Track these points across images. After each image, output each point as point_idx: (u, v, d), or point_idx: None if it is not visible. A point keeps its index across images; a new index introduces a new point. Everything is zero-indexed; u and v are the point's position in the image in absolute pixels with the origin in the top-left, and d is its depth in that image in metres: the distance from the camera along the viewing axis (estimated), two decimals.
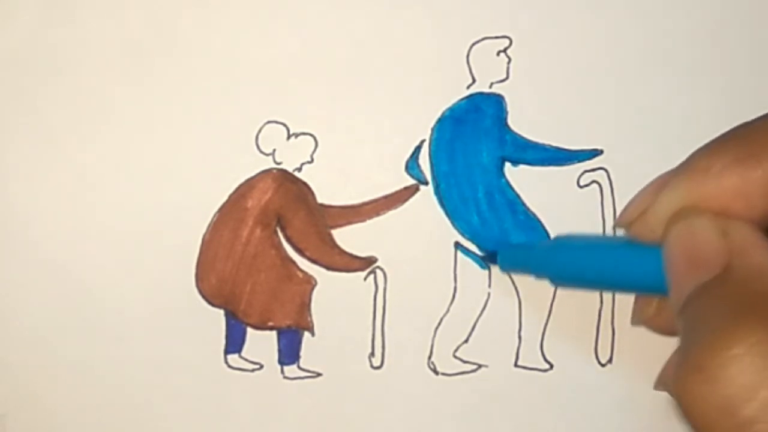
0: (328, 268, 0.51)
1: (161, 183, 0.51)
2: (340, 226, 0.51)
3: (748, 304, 0.26)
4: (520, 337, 0.51)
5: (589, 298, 0.51)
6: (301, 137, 0.51)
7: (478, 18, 0.51)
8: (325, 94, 0.51)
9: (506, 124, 0.51)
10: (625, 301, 0.47)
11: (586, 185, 0.51)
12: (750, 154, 0.29)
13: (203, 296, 0.51)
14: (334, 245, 0.51)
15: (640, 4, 0.51)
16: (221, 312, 0.51)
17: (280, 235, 0.51)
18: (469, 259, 0.51)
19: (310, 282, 0.51)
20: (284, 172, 0.51)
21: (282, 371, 0.51)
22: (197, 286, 0.51)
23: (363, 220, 0.51)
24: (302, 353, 0.51)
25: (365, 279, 0.51)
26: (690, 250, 0.29)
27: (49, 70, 0.51)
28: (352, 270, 0.51)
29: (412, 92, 0.51)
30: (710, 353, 0.25)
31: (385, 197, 0.51)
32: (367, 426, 0.51)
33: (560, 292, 0.51)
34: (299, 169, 0.51)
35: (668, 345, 0.31)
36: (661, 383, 0.34)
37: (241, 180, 0.51)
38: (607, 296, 0.50)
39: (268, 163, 0.51)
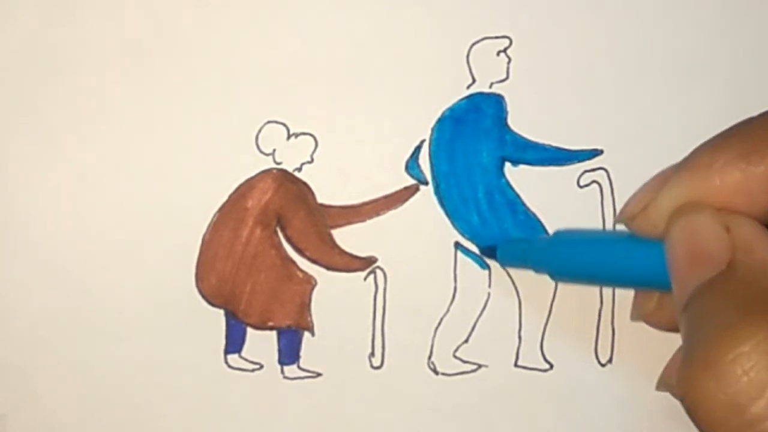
0: (328, 268, 0.51)
1: (161, 183, 0.51)
2: (340, 226, 0.51)
3: (754, 300, 0.26)
4: (520, 337, 0.51)
5: (589, 298, 0.51)
6: (301, 137, 0.51)
7: (478, 18, 0.51)
8: (325, 94, 0.51)
9: (506, 124, 0.51)
10: (626, 301, 0.47)
11: (586, 185, 0.51)
12: (752, 150, 0.29)
13: (203, 296, 0.51)
14: (334, 245, 0.51)
15: (640, 4, 0.51)
16: (221, 312, 0.51)
17: (280, 235, 0.51)
18: (469, 259, 0.51)
19: (310, 282, 0.51)
20: (284, 172, 0.51)
21: (282, 371, 0.51)
22: (197, 286, 0.51)
23: (363, 220, 0.51)
24: (302, 353, 0.51)
25: (365, 279, 0.51)
26: (693, 247, 0.29)
27: (49, 70, 0.51)
28: (352, 270, 0.51)
29: (412, 92, 0.51)
30: (717, 350, 0.25)
31: (385, 197, 0.51)
32: (367, 426, 0.51)
33: (560, 292, 0.51)
34: (299, 169, 0.51)
35: (669, 345, 0.31)
36: (662, 384, 0.34)
37: (241, 180, 0.51)
38: (607, 296, 0.50)
39: (268, 163, 0.51)
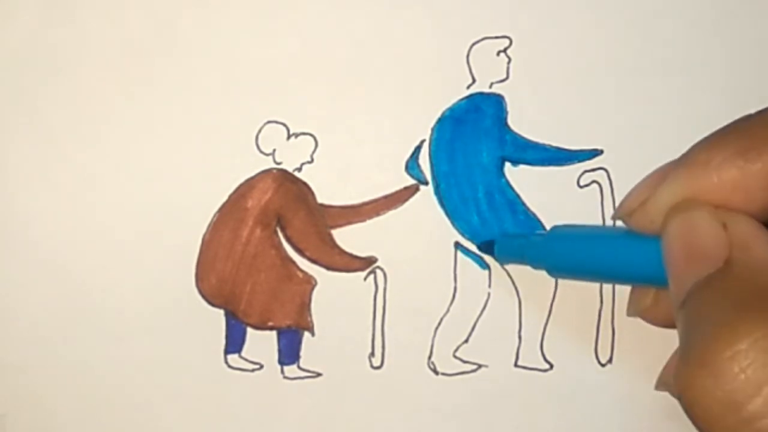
0: (328, 268, 0.51)
1: (161, 183, 0.51)
2: (340, 226, 0.51)
3: (751, 298, 0.26)
4: (520, 337, 0.51)
5: (589, 297, 0.51)
6: (301, 137, 0.51)
7: (478, 18, 0.51)
8: (325, 94, 0.51)
9: (506, 124, 0.51)
10: (626, 301, 0.47)
11: (586, 185, 0.51)
12: (750, 147, 0.29)
13: (203, 296, 0.51)
14: (334, 245, 0.51)
15: (640, 4, 0.51)
16: (221, 312, 0.51)
17: (280, 235, 0.51)
18: (469, 259, 0.51)
19: (310, 282, 0.51)
20: (284, 172, 0.51)
21: (282, 371, 0.51)
22: (197, 286, 0.51)
23: (363, 220, 0.51)
24: (302, 353, 0.51)
25: (365, 279, 0.51)
26: (690, 244, 0.29)
27: (49, 70, 0.51)
28: (352, 270, 0.51)
29: (412, 92, 0.51)
30: (714, 348, 0.25)
31: (385, 197, 0.51)
32: (367, 426, 0.51)
33: (560, 292, 0.51)
34: (299, 169, 0.51)
35: (668, 345, 0.31)
36: (662, 384, 0.34)
37: (241, 180, 0.51)
38: (607, 296, 0.50)
39: (268, 163, 0.51)
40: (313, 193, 0.51)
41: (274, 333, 0.51)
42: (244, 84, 0.51)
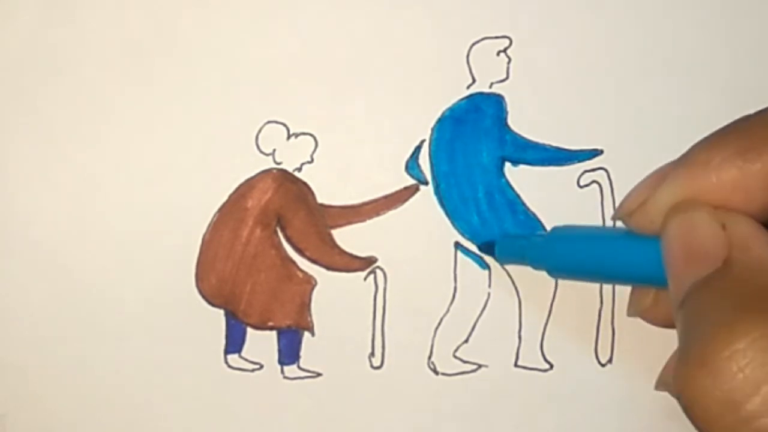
0: (328, 268, 0.51)
1: (161, 183, 0.51)
2: (340, 226, 0.51)
3: (749, 298, 0.26)
4: (520, 337, 0.51)
5: (589, 298, 0.51)
6: (301, 137, 0.51)
7: (478, 18, 0.51)
8: (325, 94, 0.51)
9: (506, 124, 0.51)
10: (626, 301, 0.47)
11: (586, 185, 0.51)
12: (749, 147, 0.29)
13: (203, 296, 0.51)
14: (334, 245, 0.51)
15: (640, 4, 0.51)
16: (221, 312, 0.51)
17: (280, 235, 0.51)
18: (469, 259, 0.51)
19: (310, 282, 0.51)
20: (284, 172, 0.51)
21: (282, 371, 0.51)
22: (197, 286, 0.51)
23: (363, 220, 0.51)
24: (302, 353, 0.51)
25: (365, 279, 0.51)
26: (689, 244, 0.29)
27: (49, 70, 0.51)
28: (352, 270, 0.51)
29: (412, 92, 0.51)
30: (712, 348, 0.25)
31: (385, 197, 0.51)
32: (367, 426, 0.51)
33: (560, 292, 0.51)
34: (299, 169, 0.51)
35: (668, 345, 0.31)
36: (661, 384, 0.34)
37: (241, 180, 0.51)
38: (607, 296, 0.50)
39: (268, 163, 0.51)
40: (313, 193, 0.51)
41: (274, 333, 0.51)
42: (244, 84, 0.51)
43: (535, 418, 0.51)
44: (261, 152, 0.51)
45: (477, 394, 0.51)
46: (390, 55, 0.51)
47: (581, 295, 0.50)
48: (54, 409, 0.51)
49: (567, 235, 0.40)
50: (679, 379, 0.26)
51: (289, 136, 0.51)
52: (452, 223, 0.51)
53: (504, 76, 0.51)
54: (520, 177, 0.51)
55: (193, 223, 0.51)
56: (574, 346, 0.51)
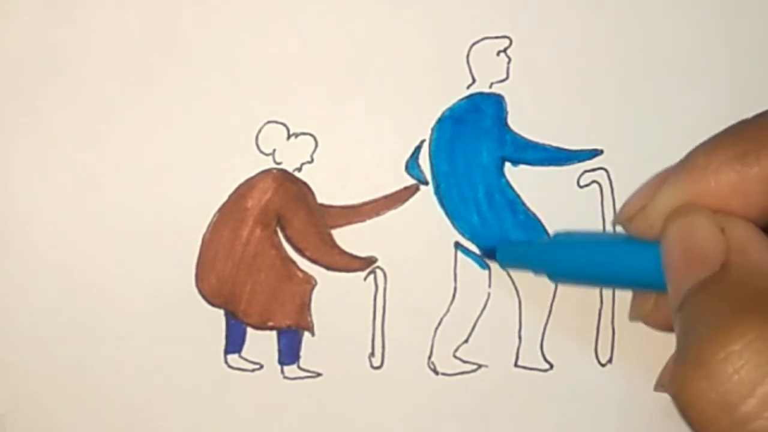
0: (328, 268, 0.51)
1: (161, 183, 0.51)
2: (340, 226, 0.51)
3: (746, 300, 0.26)
4: (520, 337, 0.51)
5: (589, 298, 0.51)
6: (301, 137, 0.51)
7: (478, 18, 0.51)
8: (325, 94, 0.51)
9: (506, 124, 0.51)
10: (626, 301, 0.47)
11: (586, 185, 0.51)
12: (748, 151, 0.29)
13: (203, 296, 0.51)
14: (334, 245, 0.51)
15: (640, 4, 0.51)
16: (221, 312, 0.51)
17: (280, 235, 0.51)
18: (469, 259, 0.51)
19: (310, 282, 0.51)
20: (284, 172, 0.51)
21: (282, 371, 0.51)
22: (197, 286, 0.51)
23: (363, 220, 0.51)
24: (302, 353, 0.51)
25: (365, 279, 0.51)
26: (688, 247, 0.29)
27: (49, 70, 0.51)
28: (352, 270, 0.51)
29: (412, 92, 0.51)
30: (708, 349, 0.25)
31: (385, 197, 0.51)
32: (367, 426, 0.51)
33: (560, 292, 0.51)
34: (299, 169, 0.51)
35: (668, 345, 0.31)
36: (660, 385, 0.35)
37: (241, 180, 0.51)
38: (607, 296, 0.50)
39: (268, 163, 0.51)
40: (313, 193, 0.51)
41: (274, 333, 0.51)
42: (244, 84, 0.51)
43: (535, 418, 0.51)
44: (261, 152, 0.51)
45: (477, 394, 0.51)
46: (390, 55, 0.51)
47: (581, 295, 0.50)
48: (54, 409, 0.51)
49: (568, 240, 0.40)
50: (675, 381, 0.26)
51: (289, 136, 0.51)
52: (452, 223, 0.51)
53: (504, 76, 0.51)
54: (520, 177, 0.51)
55: (193, 223, 0.51)
56: (574, 346, 0.51)
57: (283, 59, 0.51)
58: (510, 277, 0.51)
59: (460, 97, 0.51)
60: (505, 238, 0.50)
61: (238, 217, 0.51)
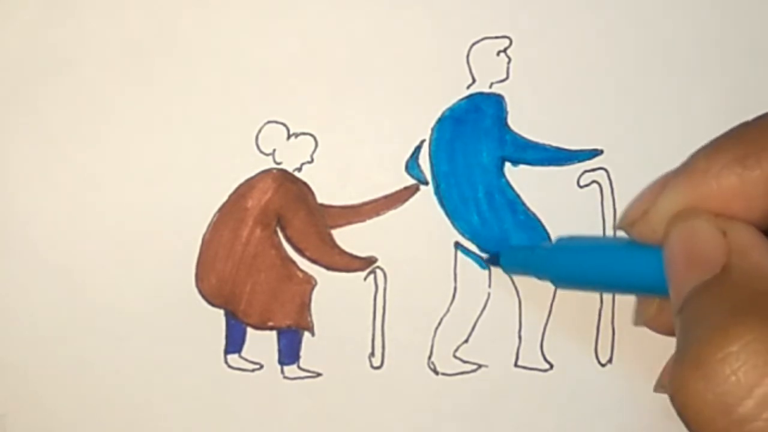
0: (328, 268, 0.51)
1: (161, 183, 0.51)
2: (340, 226, 0.51)
3: (746, 302, 0.26)
4: (520, 337, 0.51)
5: (589, 298, 0.51)
6: (301, 137, 0.51)
7: (478, 18, 0.51)
8: (325, 94, 0.51)
9: (506, 124, 0.51)
10: (626, 301, 0.47)
11: (586, 185, 0.51)
12: (748, 154, 0.29)
13: (203, 296, 0.51)
14: (334, 245, 0.51)
15: (640, 4, 0.51)
16: (221, 312, 0.51)
17: (280, 235, 0.51)
18: (469, 259, 0.51)
19: (310, 282, 0.51)
20: (284, 172, 0.51)
21: (282, 371, 0.51)
22: (197, 286, 0.51)
23: (363, 220, 0.51)
24: (302, 353, 0.51)
25: (365, 279, 0.51)
26: (689, 250, 0.29)
27: (49, 70, 0.51)
28: (352, 270, 0.51)
29: (412, 92, 0.51)
30: (707, 350, 0.25)
31: (385, 197, 0.51)
32: (367, 426, 0.51)
33: (560, 292, 0.50)
34: (299, 169, 0.51)
35: (668, 345, 0.31)
36: (660, 386, 0.35)
37: (241, 180, 0.51)
38: (607, 296, 0.50)
39: (268, 163, 0.51)
40: (313, 193, 0.51)
41: (274, 333, 0.51)
42: (244, 84, 0.51)
43: (535, 418, 0.51)
44: (261, 152, 0.51)
45: (477, 394, 0.51)
46: (390, 55, 0.51)
47: (581, 295, 0.50)
48: (54, 409, 0.51)
49: (570, 246, 0.40)
50: (673, 382, 0.26)
51: (289, 136, 0.51)
52: (452, 223, 0.51)
53: (504, 76, 0.51)
54: (520, 177, 0.51)
55: (193, 223, 0.51)
56: (574, 346, 0.51)
57: (283, 59, 0.51)
58: (510, 277, 0.51)
59: (460, 97, 0.51)
60: (505, 238, 0.50)
61: (238, 217, 0.51)
